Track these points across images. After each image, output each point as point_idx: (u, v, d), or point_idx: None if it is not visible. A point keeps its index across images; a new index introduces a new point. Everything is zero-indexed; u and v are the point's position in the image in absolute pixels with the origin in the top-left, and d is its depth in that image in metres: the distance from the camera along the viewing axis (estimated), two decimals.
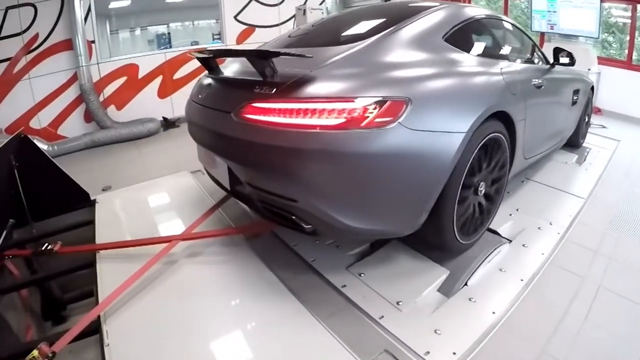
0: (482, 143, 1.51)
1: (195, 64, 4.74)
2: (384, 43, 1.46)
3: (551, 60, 2.41)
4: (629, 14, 5.36)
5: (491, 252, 1.72)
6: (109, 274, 1.61)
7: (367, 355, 1.19)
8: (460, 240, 1.58)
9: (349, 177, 1.23)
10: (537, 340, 1.37)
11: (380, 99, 1.22)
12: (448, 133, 1.33)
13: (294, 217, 1.32)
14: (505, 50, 2.16)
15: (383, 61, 1.39)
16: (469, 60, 1.65)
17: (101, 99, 4.41)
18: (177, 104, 4.85)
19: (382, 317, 1.35)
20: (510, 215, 2.08)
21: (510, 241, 1.85)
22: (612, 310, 1.54)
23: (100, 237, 1.88)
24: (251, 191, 1.41)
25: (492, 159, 1.67)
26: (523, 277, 1.62)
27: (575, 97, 2.70)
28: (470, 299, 1.47)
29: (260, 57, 1.30)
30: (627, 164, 3.10)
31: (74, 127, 4.35)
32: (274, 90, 1.27)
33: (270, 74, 1.32)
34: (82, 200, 2.22)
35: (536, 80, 2.05)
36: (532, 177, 2.59)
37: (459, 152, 1.35)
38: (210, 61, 1.69)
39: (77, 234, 1.99)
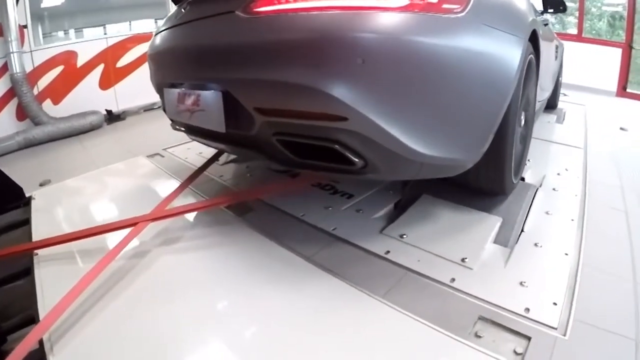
0: (527, 60, 1.30)
1: (142, 49, 4.30)
2: None
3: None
4: None
5: (534, 196, 1.53)
6: (52, 281, 1.14)
7: (462, 328, 0.89)
8: (513, 180, 1.36)
9: (416, 77, 0.92)
10: (623, 274, 1.18)
11: None
12: (512, 35, 1.14)
13: (336, 146, 0.96)
14: None
15: None
16: None
17: (35, 92, 3.74)
18: (122, 96, 4.29)
19: (454, 279, 1.06)
20: (525, 164, 1.92)
21: (540, 186, 1.68)
22: None
23: (39, 238, 1.37)
24: (263, 123, 1.04)
25: (529, 84, 1.47)
26: (572, 217, 1.44)
27: (556, 52, 2.68)
28: (536, 244, 1.23)
29: None
30: (601, 122, 3.22)
31: (5, 126, 3.65)
32: None
33: None
34: (14, 199, 1.68)
35: (540, 17, 1.93)
36: None
37: (522, 58, 1.14)
38: None
39: (8, 240, 1.46)
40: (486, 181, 1.37)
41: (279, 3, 0.93)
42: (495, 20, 1.11)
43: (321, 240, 1.29)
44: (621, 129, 2.97)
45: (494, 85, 1.10)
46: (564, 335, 0.87)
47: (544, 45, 1.81)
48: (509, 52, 1.14)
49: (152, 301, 1.04)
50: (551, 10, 2.29)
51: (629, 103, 4.58)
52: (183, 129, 1.48)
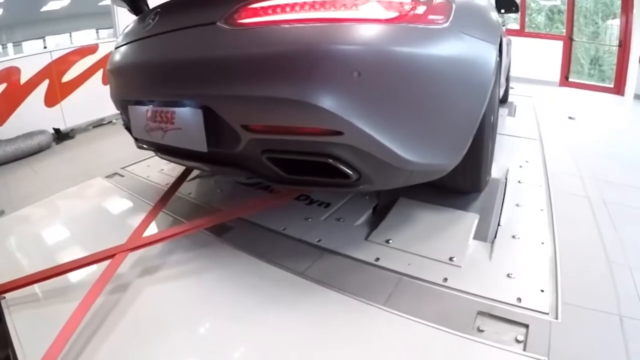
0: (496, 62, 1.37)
1: (88, 62, 4.08)
2: None
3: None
4: None
5: (505, 190, 1.61)
6: (29, 327, 1.05)
7: (465, 325, 0.92)
8: (488, 178, 1.42)
9: (408, 87, 0.95)
10: (596, 254, 1.29)
11: None
12: (487, 43, 1.21)
13: (330, 160, 0.95)
14: None
15: None
16: None
17: None
18: (69, 113, 4.02)
19: (446, 279, 1.09)
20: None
21: (506, 180, 1.76)
22: (628, 212, 1.60)
23: (2, 279, 1.25)
24: (251, 140, 1.00)
25: (496, 84, 1.54)
26: (541, 207, 1.53)
27: (507, 49, 2.85)
28: (513, 237, 1.30)
29: None
30: (550, 112, 3.43)
31: None
32: None
33: None
34: None
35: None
36: None
37: (496, 62, 1.21)
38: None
39: None
40: (464, 180, 1.42)
41: (267, 14, 0.91)
42: (473, 29, 1.16)
43: (309, 253, 1.27)
44: (570, 118, 3.20)
45: (475, 89, 1.15)
46: (557, 318, 0.93)
47: (503, 44, 1.92)
48: (486, 58, 1.21)
49: (145, 340, 0.98)
50: (503, 11, 2.42)
51: (572, 91, 4.98)
52: (150, 147, 1.40)
